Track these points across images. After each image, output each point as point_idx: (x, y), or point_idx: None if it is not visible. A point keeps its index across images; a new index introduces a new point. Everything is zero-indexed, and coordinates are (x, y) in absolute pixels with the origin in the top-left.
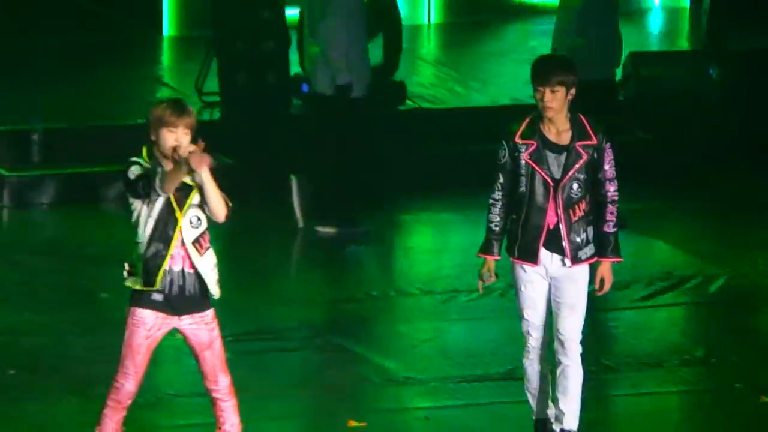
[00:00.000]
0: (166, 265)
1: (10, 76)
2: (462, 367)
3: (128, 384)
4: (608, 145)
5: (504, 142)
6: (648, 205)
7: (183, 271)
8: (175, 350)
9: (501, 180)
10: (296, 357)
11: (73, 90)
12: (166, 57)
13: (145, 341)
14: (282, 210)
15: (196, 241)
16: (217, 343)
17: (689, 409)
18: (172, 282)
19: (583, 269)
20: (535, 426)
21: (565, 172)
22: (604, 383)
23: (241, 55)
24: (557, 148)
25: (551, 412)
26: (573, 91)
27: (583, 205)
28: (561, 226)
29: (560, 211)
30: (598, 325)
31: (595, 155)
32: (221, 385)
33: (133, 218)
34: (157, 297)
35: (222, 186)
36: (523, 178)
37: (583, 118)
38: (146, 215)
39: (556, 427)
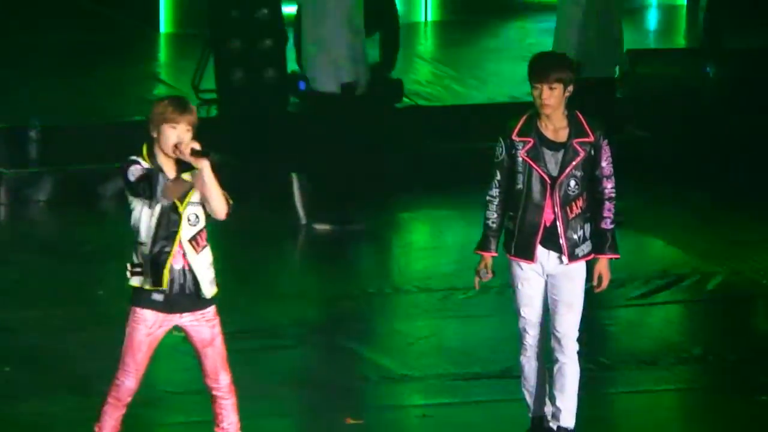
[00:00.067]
0: (170, 263)
1: (7, 73)
2: (459, 365)
3: (128, 381)
4: (605, 142)
5: (501, 140)
6: (644, 202)
7: (183, 269)
8: (172, 348)
9: (498, 177)
10: (293, 354)
11: (71, 87)
12: (163, 54)
13: (146, 339)
14: (278, 207)
15: (193, 239)
16: (219, 341)
17: (686, 407)
18: (173, 280)
19: (580, 266)
20: (532, 423)
21: (562, 169)
22: (601, 381)
23: (237, 52)
24: (554, 146)
25: (548, 409)
26: (570, 88)
27: (580, 203)
28: (558, 223)
29: (557, 209)
30: (594, 323)
31: (592, 152)
32: (222, 383)
33: (133, 217)
34: (158, 297)
35: (219, 183)
36: (520, 176)
37: (581, 116)
38: (148, 214)
39: (552, 424)
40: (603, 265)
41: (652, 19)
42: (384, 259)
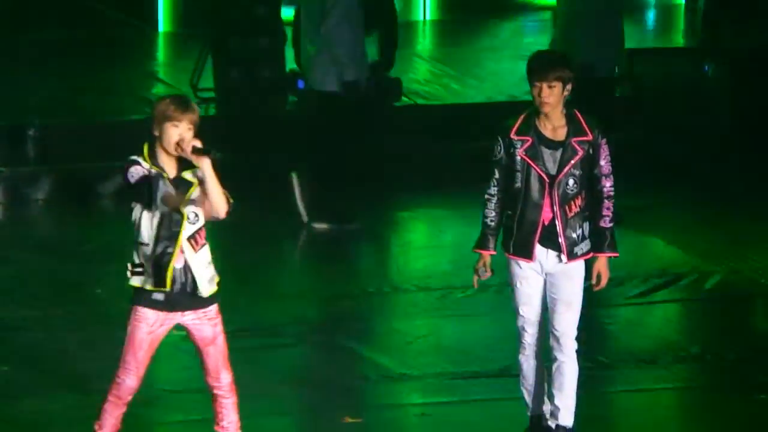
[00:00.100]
0: (173, 264)
1: (6, 71)
2: (457, 364)
3: (129, 380)
4: (604, 140)
5: (499, 138)
6: (643, 201)
7: (183, 267)
8: (170, 347)
9: (496, 176)
10: (292, 353)
11: (69, 86)
12: (162, 53)
13: (147, 337)
14: (277, 206)
15: (192, 237)
16: (221, 339)
17: (684, 406)
18: (174, 279)
19: (579, 265)
20: (531, 422)
21: (560, 168)
22: (600, 379)
23: (236, 51)
24: (553, 144)
25: (546, 408)
26: (569, 87)
27: (578, 201)
28: (557, 222)
29: (556, 208)
30: (593, 322)
31: (591, 151)
32: (223, 381)
33: (134, 216)
34: (159, 296)
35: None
36: (519, 174)
37: (579, 114)
38: (149, 215)
39: (551, 423)
40: (602, 263)
41: (651, 18)
42: (383, 258)
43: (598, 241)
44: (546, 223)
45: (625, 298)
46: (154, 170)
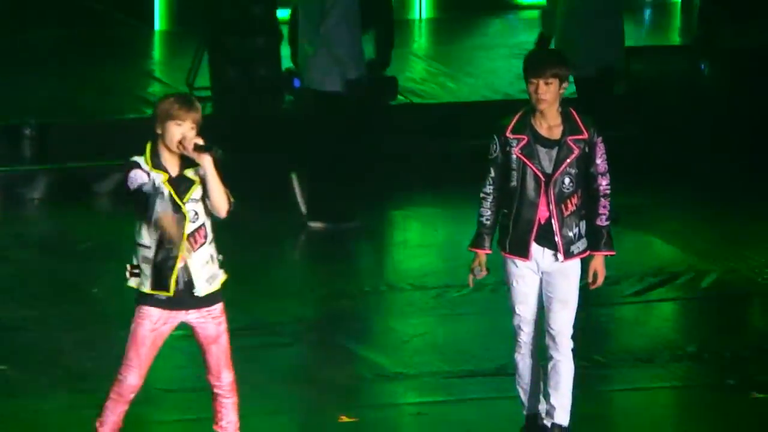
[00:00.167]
0: (177, 267)
1: (1, 70)
2: (453, 363)
3: (131, 377)
4: (599, 139)
5: (495, 137)
6: (640, 200)
7: (184, 266)
8: (165, 346)
9: (492, 174)
10: (288, 352)
11: (65, 85)
12: (158, 52)
13: (150, 334)
14: (273, 205)
15: (191, 236)
16: (224, 338)
17: (681, 405)
18: (177, 280)
19: (575, 264)
20: (527, 421)
21: (556, 166)
22: (596, 378)
23: (232, 50)
24: (548, 143)
25: (542, 407)
26: (566, 84)
27: (575, 200)
28: (553, 220)
29: (552, 206)
30: (589, 321)
31: (587, 149)
32: (224, 381)
33: (136, 215)
34: (162, 296)
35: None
36: (515, 173)
37: (575, 113)
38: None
39: (547, 421)
40: (598, 262)
41: (647, 16)
42: (379, 257)
43: (595, 239)
44: (542, 221)
45: (621, 296)
46: (153, 173)
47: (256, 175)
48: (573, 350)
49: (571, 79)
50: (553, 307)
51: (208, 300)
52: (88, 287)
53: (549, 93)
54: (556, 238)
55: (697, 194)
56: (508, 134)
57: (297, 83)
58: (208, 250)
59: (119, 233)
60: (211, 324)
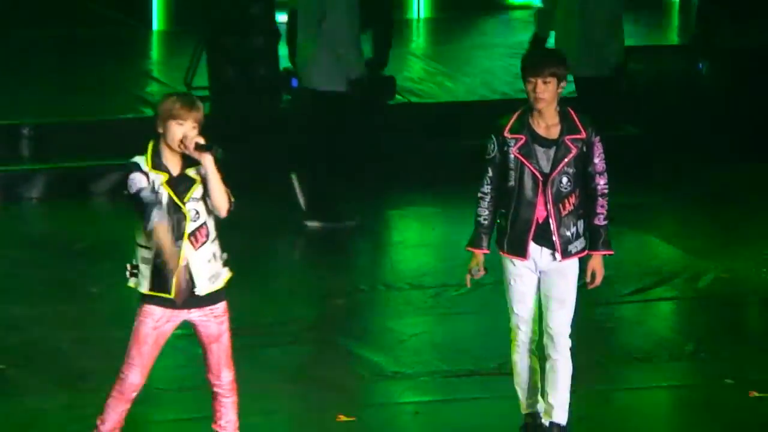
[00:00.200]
0: (180, 269)
1: None
2: (451, 362)
3: (132, 375)
4: (597, 138)
5: (493, 137)
6: (637, 200)
7: (185, 265)
8: (165, 345)
9: (490, 174)
10: (285, 352)
11: (63, 84)
12: (156, 52)
13: (152, 332)
14: (271, 204)
15: (192, 235)
16: (225, 337)
17: (678, 404)
18: (179, 280)
19: (573, 263)
20: (525, 420)
21: (554, 166)
22: (593, 378)
23: (230, 49)
24: (546, 143)
25: (540, 406)
26: (564, 83)
27: (572, 199)
28: (550, 220)
29: (549, 206)
30: (587, 320)
31: (584, 149)
32: (224, 380)
33: (137, 215)
34: (165, 296)
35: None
36: (512, 172)
37: (572, 112)
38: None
39: (545, 420)
40: (596, 261)
41: (645, 15)
42: (376, 256)
43: (593, 239)
44: (540, 221)
45: (619, 296)
46: (153, 174)
47: (253, 174)
48: (571, 349)
49: (570, 78)
50: (551, 306)
51: (211, 298)
52: (85, 286)
53: (547, 92)
54: (554, 238)
55: (694, 193)
56: (506, 134)
57: (295, 83)
58: (210, 248)
59: (117, 232)
60: (213, 323)
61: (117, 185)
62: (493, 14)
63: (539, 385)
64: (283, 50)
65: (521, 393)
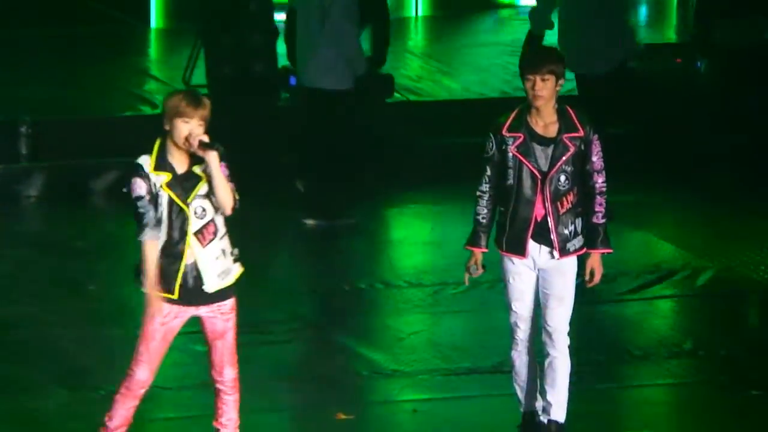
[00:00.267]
0: (182, 270)
1: None
2: (450, 360)
3: (140, 372)
4: (595, 136)
5: (491, 135)
6: (636, 198)
7: (193, 262)
8: None
9: (488, 172)
10: (284, 349)
11: (61, 82)
12: (154, 49)
13: (160, 328)
14: (269, 202)
15: (199, 232)
16: (230, 335)
17: (677, 402)
18: (186, 275)
19: (572, 261)
20: (523, 418)
21: (552, 164)
22: (592, 375)
23: (228, 47)
24: (544, 141)
25: (539, 404)
26: (562, 81)
27: (571, 197)
28: (549, 218)
29: (548, 204)
30: (585, 318)
31: (583, 147)
32: (227, 377)
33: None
34: (172, 295)
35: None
36: (511, 171)
37: (571, 110)
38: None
39: (543, 418)
40: (595, 259)
41: (643, 13)
42: (375, 254)
43: (591, 237)
44: (538, 219)
45: (618, 294)
46: (155, 176)
47: (251, 172)
48: (569, 347)
49: (570, 76)
50: (550, 304)
51: (220, 295)
52: (84, 284)
53: (545, 89)
54: (552, 236)
55: (693, 191)
56: (504, 132)
57: (293, 81)
58: (219, 245)
59: (116, 231)
60: (219, 319)
61: (116, 183)
62: (492, 12)
63: (538, 383)
64: (281, 48)
65: (520, 391)
